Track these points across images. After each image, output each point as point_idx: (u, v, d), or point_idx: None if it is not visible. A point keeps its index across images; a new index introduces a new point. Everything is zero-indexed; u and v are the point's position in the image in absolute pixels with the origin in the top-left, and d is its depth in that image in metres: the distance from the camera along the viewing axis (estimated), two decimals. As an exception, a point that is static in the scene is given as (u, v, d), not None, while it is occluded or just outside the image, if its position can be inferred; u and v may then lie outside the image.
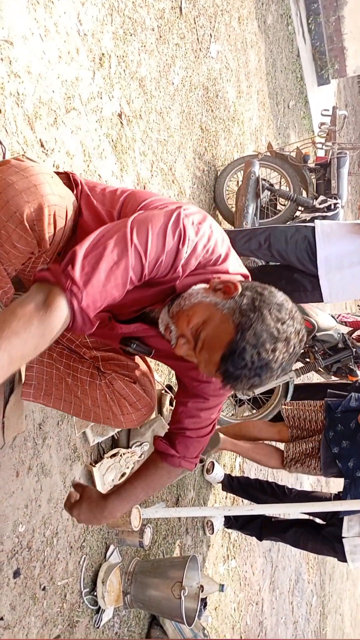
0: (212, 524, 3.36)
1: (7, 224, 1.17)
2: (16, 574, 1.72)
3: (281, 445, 3.27)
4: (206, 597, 2.79)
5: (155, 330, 1.36)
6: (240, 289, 1.21)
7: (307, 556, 5.97)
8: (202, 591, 2.45)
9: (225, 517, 3.40)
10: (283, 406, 3.20)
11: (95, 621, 2.14)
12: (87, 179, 1.45)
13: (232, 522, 3.41)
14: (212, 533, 3.36)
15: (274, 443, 3.37)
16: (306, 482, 5.68)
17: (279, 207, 4.01)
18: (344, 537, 2.94)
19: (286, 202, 3.87)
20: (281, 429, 3.16)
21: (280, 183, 4.05)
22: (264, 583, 4.63)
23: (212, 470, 3.41)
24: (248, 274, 1.38)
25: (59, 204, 1.22)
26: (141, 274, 1.17)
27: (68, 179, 1.38)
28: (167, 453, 1.50)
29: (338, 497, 3.09)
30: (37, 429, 1.88)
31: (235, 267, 1.34)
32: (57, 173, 1.38)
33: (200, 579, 2.47)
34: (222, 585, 2.78)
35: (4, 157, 1.65)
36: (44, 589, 1.85)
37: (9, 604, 1.68)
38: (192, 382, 1.46)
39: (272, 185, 3.81)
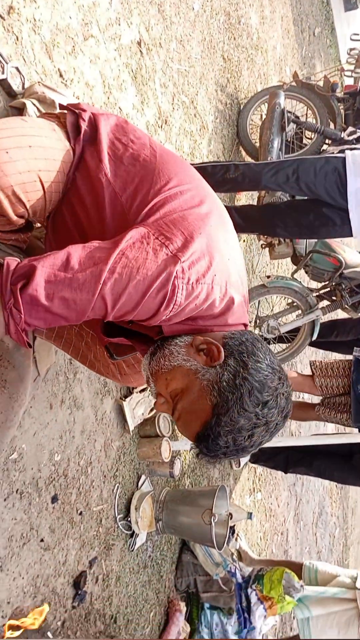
0: (238, 459, 3.46)
1: None
2: (54, 499, 1.80)
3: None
4: (234, 525, 2.90)
5: (137, 346, 1.30)
6: (222, 357, 1.11)
7: (330, 490, 6.13)
8: (231, 518, 2.55)
9: (251, 455, 3.50)
10: (312, 361, 3.25)
11: (130, 545, 2.25)
12: (112, 121, 1.29)
13: (257, 457, 3.50)
14: (239, 467, 3.46)
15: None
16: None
17: (305, 140, 3.87)
18: None
19: (313, 135, 3.73)
20: (310, 384, 3.22)
21: (307, 115, 3.89)
22: (289, 515, 4.79)
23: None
24: (247, 322, 1.26)
25: (21, 181, 1.13)
26: (105, 314, 1.09)
27: (75, 123, 1.25)
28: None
29: None
30: (68, 363, 1.92)
31: (235, 318, 1.20)
32: (66, 109, 1.27)
33: (229, 507, 2.56)
34: (250, 514, 2.89)
35: (23, 87, 1.61)
36: (80, 513, 1.95)
37: (49, 527, 1.77)
38: None
39: (297, 117, 3.66)
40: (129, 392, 2.32)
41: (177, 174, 1.21)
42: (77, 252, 1.06)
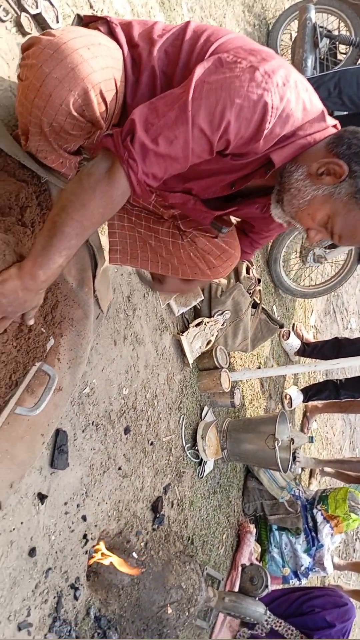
0: (290, 398, 3.49)
1: (56, 117, 1.15)
2: (126, 430, 1.88)
3: None
4: (295, 450, 2.97)
5: (251, 206, 1.35)
6: (345, 168, 1.15)
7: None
8: (293, 443, 2.61)
9: (303, 392, 3.54)
10: None
11: (199, 472, 2.35)
12: (135, 21, 1.30)
13: (310, 394, 3.54)
14: (291, 407, 3.49)
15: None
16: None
17: (339, 56, 3.68)
18: None
19: (347, 49, 3.54)
20: None
21: (339, 28, 3.68)
22: (344, 443, 4.86)
23: (288, 337, 3.48)
24: (336, 121, 1.28)
25: (105, 77, 1.14)
26: (209, 147, 1.11)
27: (109, 30, 1.26)
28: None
29: None
30: (127, 301, 1.96)
31: (327, 120, 1.23)
32: (96, 19, 1.28)
33: (290, 432, 2.61)
34: (312, 437, 2.95)
35: (57, 20, 1.58)
36: (151, 444, 2.03)
37: (124, 456, 1.86)
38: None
39: (330, 31, 3.47)
40: (185, 327, 2.36)
41: (226, 33, 1.22)
42: (159, 100, 1.10)
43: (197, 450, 2.32)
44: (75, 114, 1.14)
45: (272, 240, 3.42)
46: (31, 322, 1.26)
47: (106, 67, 1.15)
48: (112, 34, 1.25)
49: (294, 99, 1.13)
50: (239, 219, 1.63)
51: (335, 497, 2.95)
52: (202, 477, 2.36)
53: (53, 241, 1.08)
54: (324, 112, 1.24)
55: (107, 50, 1.18)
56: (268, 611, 2.22)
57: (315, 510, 2.96)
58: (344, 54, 3.68)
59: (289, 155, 1.19)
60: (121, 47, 1.23)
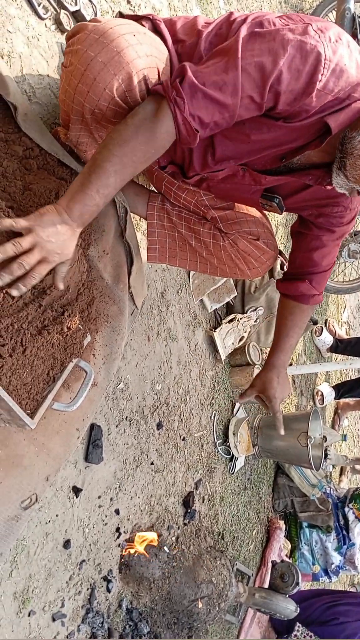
0: (322, 395, 3.45)
1: (99, 102, 1.14)
2: (159, 425, 1.89)
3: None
4: (327, 448, 2.94)
5: (303, 177, 1.31)
6: None
7: None
8: (325, 441, 2.59)
9: (335, 389, 3.49)
10: None
11: (230, 468, 2.35)
12: (177, 18, 1.31)
13: (342, 392, 3.49)
14: (322, 404, 3.46)
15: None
16: None
17: (378, 47, 3.59)
18: None
19: (387, 39, 3.44)
20: None
21: (380, 17, 3.58)
22: (377, 440, 4.79)
23: (321, 334, 3.44)
24: None
25: (149, 65, 1.14)
26: (260, 98, 1.09)
27: (153, 27, 1.27)
28: (309, 294, 1.56)
29: None
30: (160, 297, 1.97)
31: None
32: (138, 18, 1.28)
33: (322, 430, 2.59)
34: (345, 435, 2.91)
35: (96, 16, 1.58)
36: (183, 439, 2.04)
37: (156, 451, 1.87)
38: (321, 220, 1.46)
39: (370, 21, 3.38)
40: (217, 323, 2.36)
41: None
42: (208, 54, 1.15)
43: (229, 446, 2.32)
44: (118, 99, 1.14)
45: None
46: (61, 285, 1.17)
47: (151, 55, 1.16)
48: (156, 30, 1.25)
49: (347, 55, 1.10)
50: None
51: (368, 496, 2.92)
52: (233, 473, 2.36)
53: (91, 177, 1.07)
54: None
55: (153, 41, 1.19)
56: (299, 608, 2.21)
57: (347, 509, 2.93)
58: (384, 44, 3.58)
59: (346, 120, 1.15)
60: (166, 42, 1.24)
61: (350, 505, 2.92)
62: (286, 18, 1.14)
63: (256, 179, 1.36)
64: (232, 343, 2.37)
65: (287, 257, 1.94)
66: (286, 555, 2.79)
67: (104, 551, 1.53)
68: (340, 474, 3.80)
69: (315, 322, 2.81)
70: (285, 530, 2.83)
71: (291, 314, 1.60)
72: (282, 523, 2.74)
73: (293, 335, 1.61)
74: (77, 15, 1.53)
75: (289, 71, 1.06)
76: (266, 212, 1.63)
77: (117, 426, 1.66)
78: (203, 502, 2.14)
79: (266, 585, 2.42)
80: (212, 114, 1.10)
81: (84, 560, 1.45)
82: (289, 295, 1.59)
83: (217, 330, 2.28)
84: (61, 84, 1.25)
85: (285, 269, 2.59)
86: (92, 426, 1.54)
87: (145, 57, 1.13)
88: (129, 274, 1.74)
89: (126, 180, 1.11)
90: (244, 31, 1.09)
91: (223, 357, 2.31)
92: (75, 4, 1.51)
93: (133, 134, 1.08)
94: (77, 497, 1.43)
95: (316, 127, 1.18)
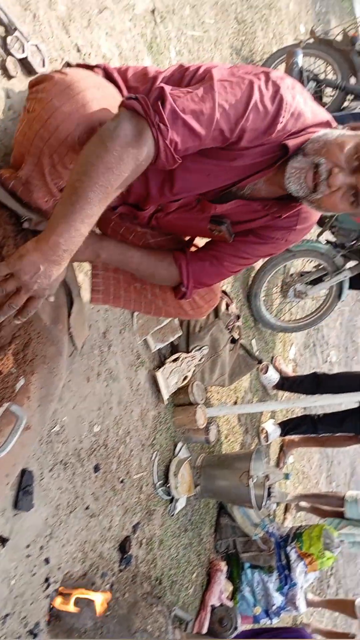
0: (267, 432, 3.48)
1: (59, 149, 1.18)
2: (96, 468, 1.87)
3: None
4: (270, 487, 2.96)
5: (253, 204, 1.37)
6: None
7: (362, 451, 6.16)
8: (268, 480, 2.60)
9: (281, 426, 3.54)
10: None
11: (170, 510, 2.33)
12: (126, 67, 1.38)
13: (287, 429, 3.54)
14: (267, 441, 3.48)
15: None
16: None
17: (324, 99, 3.78)
18: None
19: (334, 92, 3.64)
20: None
21: (326, 72, 3.79)
22: (321, 476, 4.85)
23: (267, 371, 3.50)
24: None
25: (109, 116, 1.18)
26: (229, 132, 1.17)
27: (106, 75, 1.32)
28: (178, 253, 1.53)
29: None
30: (102, 337, 1.96)
31: (327, 115, 1.33)
32: (91, 67, 1.34)
33: (265, 469, 2.61)
34: (288, 474, 2.94)
35: (43, 64, 1.61)
36: (121, 481, 2.01)
37: (93, 495, 1.84)
38: (260, 231, 1.48)
39: (316, 75, 3.58)
40: (161, 362, 2.37)
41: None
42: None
43: (169, 487, 2.30)
44: (77, 147, 1.16)
45: (253, 275, 3.46)
46: (52, 298, 1.20)
47: (112, 106, 1.19)
48: (109, 78, 1.31)
49: (302, 101, 1.24)
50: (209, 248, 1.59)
51: (310, 534, 2.93)
52: (173, 515, 2.34)
53: (75, 208, 1.04)
54: (330, 122, 1.32)
55: (114, 93, 1.26)
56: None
57: (289, 548, 2.94)
58: (331, 96, 3.78)
59: (299, 144, 1.25)
60: (120, 90, 1.30)
61: (293, 544, 2.93)
62: (243, 67, 1.25)
63: (208, 208, 1.39)
64: (176, 382, 2.38)
65: (232, 296, 1.98)
66: (227, 598, 2.76)
67: (31, 603, 1.48)
68: (285, 512, 3.82)
69: (260, 362, 2.86)
70: (227, 571, 2.81)
71: (160, 254, 1.53)
72: (223, 564, 2.72)
73: (136, 255, 1.50)
74: (24, 62, 1.55)
75: (256, 111, 1.17)
76: None
77: (50, 470, 1.63)
78: (141, 546, 2.11)
79: (205, 631, 2.39)
80: (186, 142, 1.15)
81: (8, 614, 1.39)
82: (178, 265, 1.52)
83: (161, 369, 2.29)
84: (21, 127, 1.29)
85: (230, 310, 2.64)
86: (24, 471, 1.50)
87: (107, 110, 1.19)
88: (69, 314, 1.73)
89: (107, 203, 1.09)
90: (216, 73, 1.19)
91: (166, 397, 2.31)
92: (23, 52, 1.54)
93: (117, 162, 1.06)
94: (2, 547, 1.39)
95: (273, 152, 1.28)
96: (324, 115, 1.31)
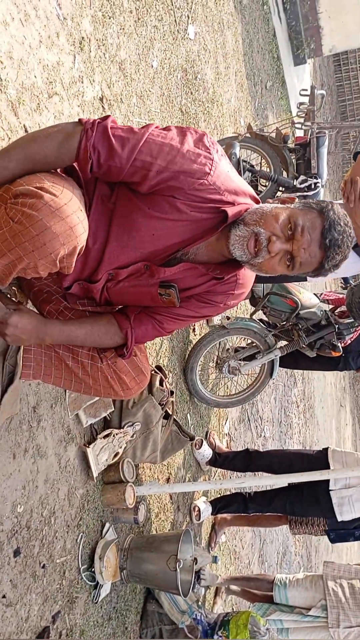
0: (199, 510, 3.42)
1: (39, 261, 1.25)
2: (16, 553, 1.77)
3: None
4: (199, 570, 2.88)
5: (198, 267, 1.49)
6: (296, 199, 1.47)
7: (294, 530, 6.11)
8: (196, 563, 2.53)
9: (212, 504, 3.50)
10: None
11: (94, 597, 2.21)
12: None
13: (218, 507, 3.50)
14: (199, 520, 3.42)
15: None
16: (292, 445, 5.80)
17: (259, 188, 4.04)
18: (331, 490, 3.07)
19: (267, 183, 3.90)
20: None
21: (261, 164, 4.08)
22: (253, 556, 4.76)
23: (201, 447, 3.49)
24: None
25: (86, 234, 1.31)
26: (150, 164, 1.33)
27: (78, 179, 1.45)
28: (122, 318, 1.60)
29: (320, 451, 3.26)
30: (32, 412, 1.92)
31: (251, 189, 1.51)
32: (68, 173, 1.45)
33: (194, 552, 2.54)
34: (215, 557, 2.88)
35: (-10, 143, 1.66)
36: (43, 566, 1.91)
37: (10, 581, 1.73)
38: (202, 295, 1.59)
39: (252, 166, 3.83)
40: (92, 438, 2.32)
41: None
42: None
43: (94, 572, 2.19)
44: (57, 263, 1.26)
45: (190, 348, 3.51)
46: None
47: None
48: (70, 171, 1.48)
49: (229, 167, 1.42)
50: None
51: (237, 622, 2.84)
52: (97, 602, 2.22)
53: None
54: (256, 197, 1.50)
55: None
56: None
57: (216, 637, 2.82)
58: (265, 186, 4.05)
59: (236, 214, 1.42)
60: (79, 180, 1.45)
61: (220, 632, 2.82)
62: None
63: (157, 271, 1.49)
64: (106, 459, 2.33)
65: (168, 370, 1.99)
66: None
67: None
68: (215, 595, 3.69)
69: (192, 438, 2.85)
70: (152, 663, 2.65)
71: (99, 317, 1.60)
72: (148, 656, 2.57)
73: (83, 327, 1.56)
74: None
75: (184, 157, 1.34)
76: None
77: (-34, 556, 1.53)
78: (60, 637, 1.97)
79: None
80: (107, 159, 1.33)
81: None
82: (121, 324, 1.59)
83: (91, 445, 2.24)
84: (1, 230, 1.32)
85: (164, 385, 2.65)
86: None
87: (87, 230, 1.31)
88: (4, 392, 1.69)
89: (24, 169, 1.30)
90: (154, 126, 1.38)
91: (95, 474, 2.25)
92: (-31, 130, 1.58)
93: (44, 138, 1.32)
94: None
95: (212, 214, 1.42)
96: (250, 188, 1.49)
